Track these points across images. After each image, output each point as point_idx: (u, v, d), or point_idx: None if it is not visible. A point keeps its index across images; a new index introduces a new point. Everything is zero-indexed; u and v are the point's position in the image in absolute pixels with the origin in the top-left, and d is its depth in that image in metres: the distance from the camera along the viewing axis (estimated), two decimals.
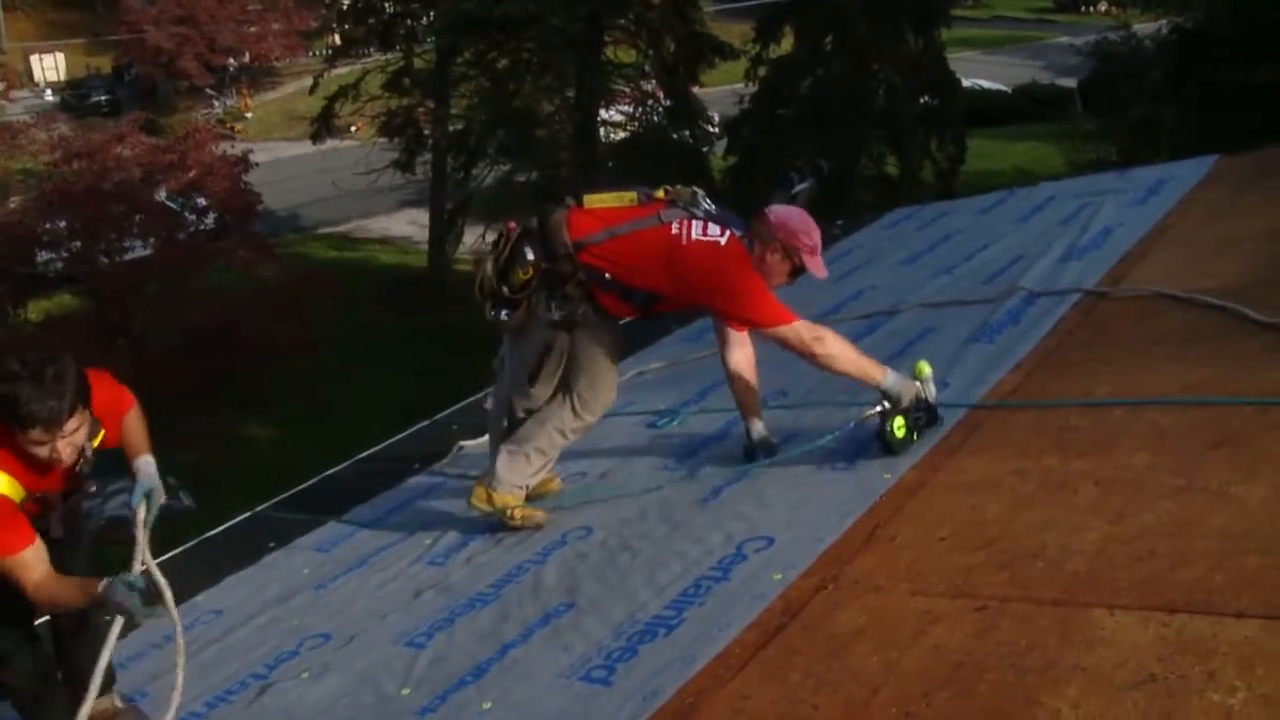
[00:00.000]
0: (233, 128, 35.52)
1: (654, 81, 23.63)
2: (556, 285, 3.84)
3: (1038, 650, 2.42)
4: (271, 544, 4.75)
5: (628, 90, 23.77)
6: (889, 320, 5.38)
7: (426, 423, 5.97)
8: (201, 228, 19.96)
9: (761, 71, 21.60)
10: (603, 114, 23.56)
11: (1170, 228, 5.76)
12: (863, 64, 20.44)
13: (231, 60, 40.66)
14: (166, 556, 5.06)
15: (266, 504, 5.41)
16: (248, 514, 5.36)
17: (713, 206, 3.94)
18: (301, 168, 29.87)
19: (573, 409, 4.00)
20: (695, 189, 4.00)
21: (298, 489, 5.49)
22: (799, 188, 8.66)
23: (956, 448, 3.68)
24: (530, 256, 3.84)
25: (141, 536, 3.48)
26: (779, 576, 3.09)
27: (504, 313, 3.94)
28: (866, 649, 2.62)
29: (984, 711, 2.27)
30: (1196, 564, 2.59)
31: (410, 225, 28.95)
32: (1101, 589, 2.61)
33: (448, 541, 4.19)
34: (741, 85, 22.70)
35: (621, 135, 24.60)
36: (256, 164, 21.36)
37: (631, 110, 24.24)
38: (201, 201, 20.06)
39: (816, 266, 3.92)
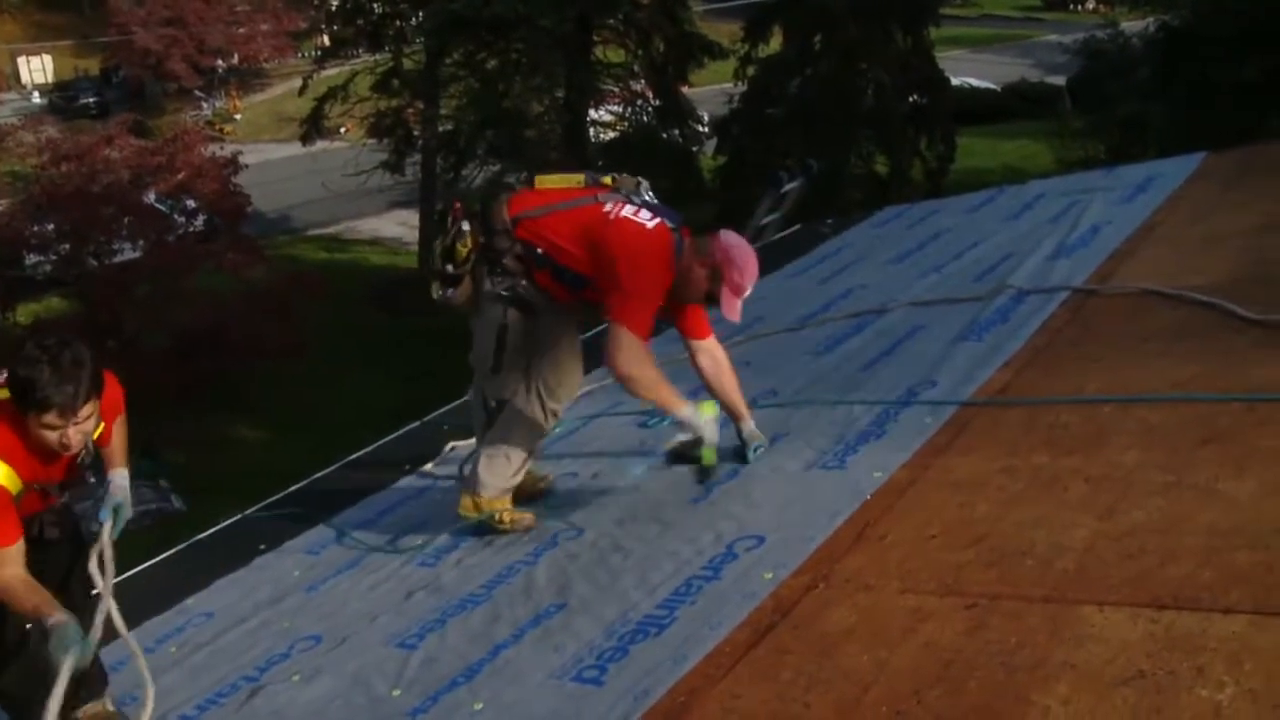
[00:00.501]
0: (222, 129, 35.52)
1: (643, 81, 23.65)
2: (495, 260, 3.89)
3: (1028, 648, 2.43)
4: (262, 546, 4.74)
5: (617, 90, 23.79)
6: (878, 319, 5.39)
7: (417, 424, 5.96)
8: (191, 230, 19.91)
9: (750, 71, 21.64)
10: (592, 114, 23.58)
11: (1158, 225, 5.78)
12: (851, 63, 20.49)
13: (220, 61, 40.64)
14: (158, 559, 5.07)
15: (257, 506, 5.40)
16: (238, 516, 5.35)
17: (653, 198, 3.94)
18: (291, 169, 29.85)
19: (539, 398, 4.00)
20: (640, 180, 4.00)
21: (288, 491, 5.48)
22: (788, 187, 8.66)
23: (946, 446, 3.69)
24: (466, 228, 3.91)
25: (108, 553, 3.43)
26: (770, 575, 3.10)
27: (449, 291, 3.98)
28: (857, 647, 2.63)
29: (974, 709, 2.27)
30: (1186, 560, 2.60)
31: (400, 226, 28.93)
32: (1091, 586, 2.62)
33: (438, 543, 4.19)
34: (730, 85, 22.74)
35: (611, 135, 24.61)
36: (246, 166, 21.35)
37: (621, 110, 24.26)
38: (191, 203, 20.03)
39: (730, 306, 3.82)
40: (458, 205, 4.03)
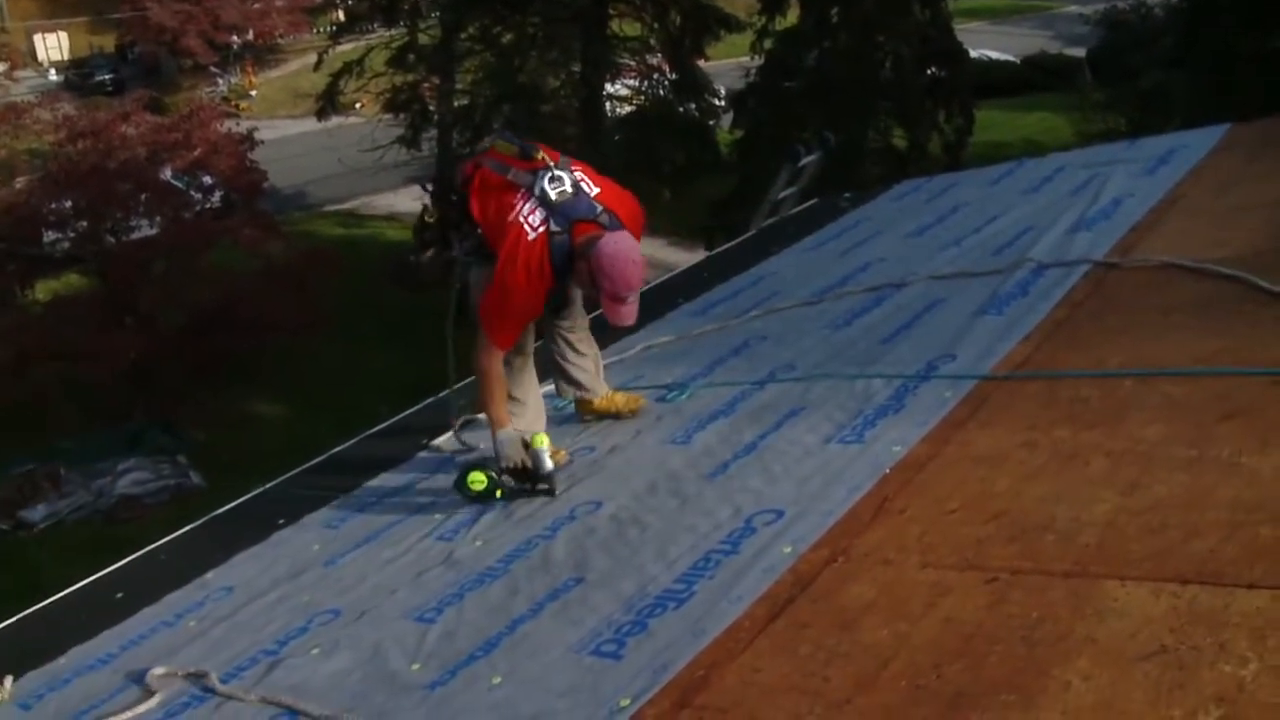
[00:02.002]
0: (237, 105, 35.50)
1: (659, 55, 23.52)
2: (455, 225, 4.19)
3: (1049, 622, 2.42)
4: (281, 520, 4.76)
5: (633, 64, 23.67)
6: (897, 293, 5.36)
7: (434, 398, 5.96)
8: (208, 206, 19.95)
9: (767, 44, 21.45)
10: (608, 88, 23.46)
11: (1181, 197, 5.72)
12: (869, 35, 20.30)
13: (235, 38, 40.59)
14: (177, 535, 5.10)
15: (275, 481, 5.42)
16: (257, 491, 5.37)
17: (562, 191, 3.96)
18: (307, 145, 29.86)
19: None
20: (552, 167, 4.03)
21: (307, 465, 5.50)
22: (805, 160, 8.60)
23: (965, 420, 3.67)
24: (427, 201, 4.19)
25: None
26: (789, 549, 3.09)
27: (423, 256, 4.27)
28: (877, 621, 2.62)
29: (995, 683, 2.26)
30: (1208, 535, 2.58)
31: (416, 202, 28.72)
32: (1113, 561, 2.60)
33: (457, 516, 4.19)
34: (747, 58, 22.58)
35: (627, 109, 24.50)
36: (261, 142, 21.36)
37: (637, 84, 24.15)
38: (207, 180, 20.04)
39: (613, 313, 3.94)
40: (431, 182, 4.30)
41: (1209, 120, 7.87)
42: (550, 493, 4.03)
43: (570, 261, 3.94)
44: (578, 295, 4.44)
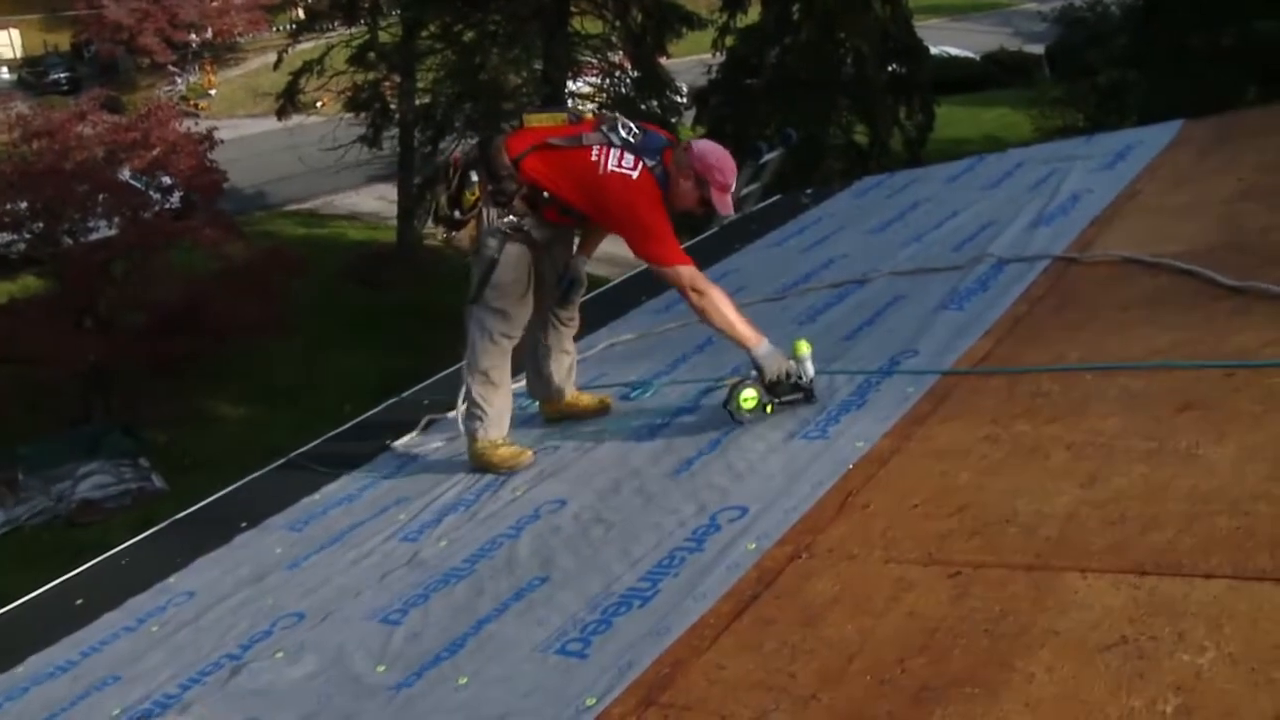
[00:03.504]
0: (196, 105, 35.17)
1: (621, 53, 23.49)
2: (505, 203, 4.21)
3: (1011, 615, 2.44)
4: (243, 523, 4.72)
5: (595, 62, 23.62)
6: (859, 289, 5.39)
7: (397, 398, 5.94)
8: (167, 206, 19.72)
9: (729, 41, 21.51)
10: (570, 86, 23.40)
11: (1138, 193, 5.78)
12: (830, 32, 20.38)
13: (194, 36, 40.15)
14: (139, 539, 5.05)
15: (238, 483, 5.37)
16: (219, 494, 5.32)
17: (633, 132, 4.16)
18: (267, 144, 29.58)
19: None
20: (617, 115, 4.29)
21: (269, 467, 5.46)
22: (767, 157, 8.60)
23: (928, 415, 3.69)
24: (475, 178, 4.23)
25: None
26: (753, 546, 3.10)
27: (455, 234, 4.34)
28: (841, 617, 2.63)
29: (958, 677, 2.28)
30: (1167, 526, 2.61)
31: (379, 201, 28.75)
32: (1074, 553, 2.63)
33: (421, 517, 4.18)
34: (709, 55, 22.61)
35: (590, 107, 24.46)
36: (221, 141, 21.12)
37: (599, 82, 24.10)
38: (166, 180, 19.81)
39: (723, 203, 4.12)
40: (456, 156, 4.37)
41: (1164, 116, 7.97)
42: (812, 399, 4.03)
43: (668, 186, 4.11)
44: (583, 278, 4.62)
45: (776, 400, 4.01)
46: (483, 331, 4.38)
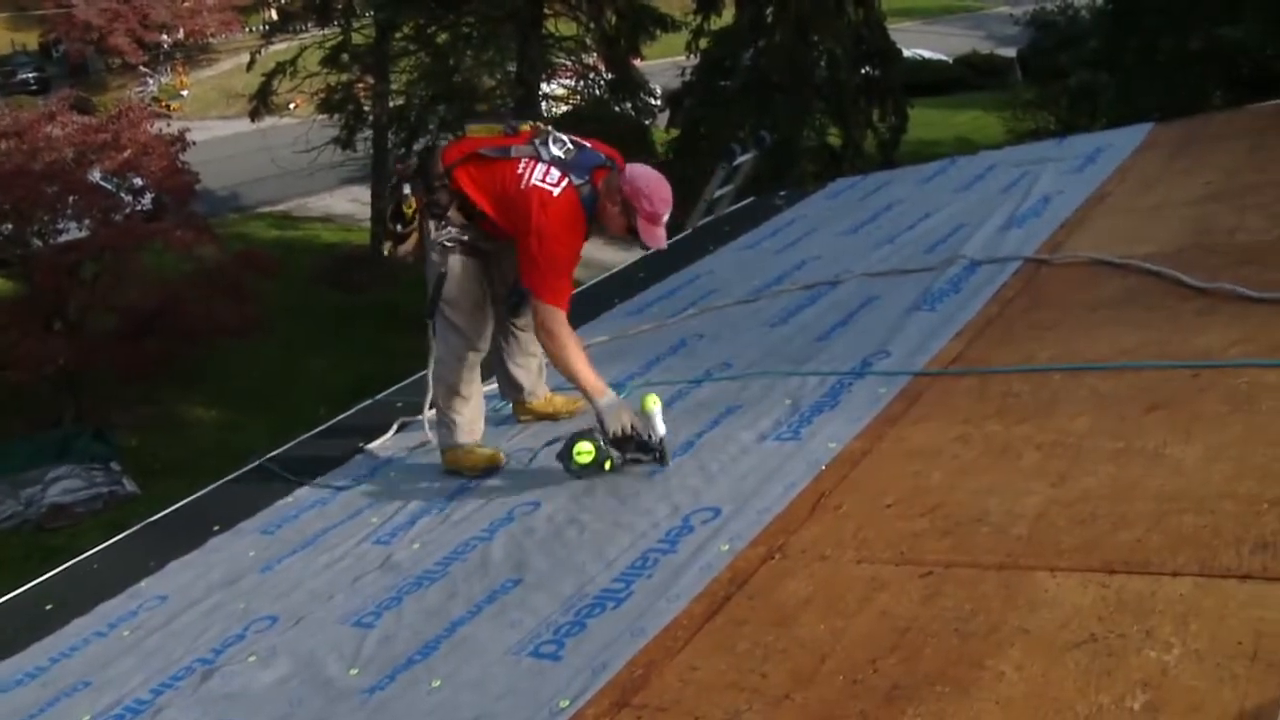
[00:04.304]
0: (168, 106, 34.85)
1: (595, 55, 23.49)
2: (439, 215, 4.13)
3: (982, 614, 2.46)
4: (216, 527, 4.69)
5: (569, 64, 23.62)
6: (832, 290, 5.41)
7: (370, 401, 5.92)
8: (138, 208, 19.56)
9: (703, 43, 21.52)
10: (544, 88, 23.39)
11: (1108, 195, 5.84)
12: (804, 35, 20.43)
13: (165, 37, 39.84)
14: (110, 543, 5.01)
15: (210, 486, 5.34)
16: (191, 497, 5.29)
17: (566, 148, 4.03)
18: (240, 146, 29.41)
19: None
20: (550, 129, 4.11)
21: (242, 470, 5.42)
22: (741, 159, 8.63)
23: (900, 416, 3.72)
24: (407, 191, 4.18)
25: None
26: (726, 547, 3.11)
27: (400, 248, 4.30)
28: (813, 617, 2.65)
29: (930, 676, 2.30)
30: (1135, 525, 2.64)
31: (352, 203, 28.62)
32: (1044, 552, 2.65)
33: (394, 520, 4.17)
34: (683, 58, 22.64)
35: (564, 109, 24.45)
36: (193, 143, 20.94)
37: (573, 84, 24.10)
38: (138, 181, 19.65)
39: (650, 235, 3.94)
40: (399, 167, 4.34)
41: (1134, 119, 8.04)
42: (662, 461, 3.79)
43: (595, 209, 3.98)
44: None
45: (620, 458, 3.83)
46: (445, 347, 4.33)
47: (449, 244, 4.18)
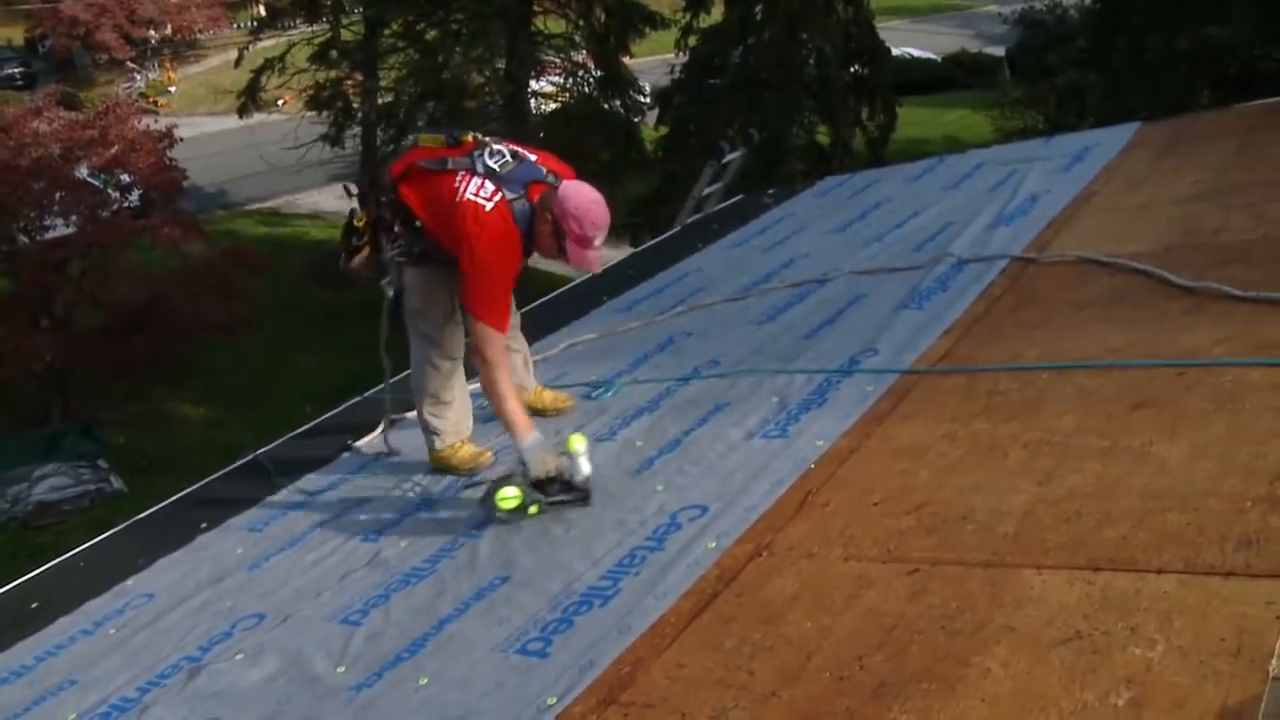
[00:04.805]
0: (156, 102, 34.77)
1: (584, 52, 23.47)
2: (387, 228, 4.07)
3: (968, 612, 2.46)
4: (203, 524, 4.68)
5: (558, 61, 23.60)
6: (820, 288, 5.42)
7: (358, 399, 5.91)
8: (126, 205, 19.50)
9: (692, 41, 21.52)
10: (533, 85, 23.36)
11: (1095, 194, 5.85)
12: (792, 33, 20.43)
13: (153, 32, 39.68)
14: (97, 540, 4.99)
15: (198, 484, 5.33)
16: (179, 495, 5.28)
17: (504, 160, 3.90)
18: (228, 142, 29.30)
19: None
20: (489, 140, 4.00)
21: (229, 468, 5.41)
22: (730, 157, 8.65)
23: (887, 413, 3.73)
24: (355, 205, 4.16)
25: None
26: (713, 545, 3.12)
27: (354, 260, 4.21)
28: (800, 615, 2.65)
29: (916, 673, 2.30)
30: (1120, 523, 2.65)
31: (340, 200, 28.36)
32: (1030, 550, 2.66)
33: (383, 517, 4.16)
34: (672, 55, 22.63)
35: (552, 106, 24.44)
36: (181, 139, 20.87)
37: (562, 81, 24.09)
38: (125, 178, 19.58)
39: (579, 257, 3.82)
40: (355, 182, 4.27)
41: (1122, 118, 8.06)
42: (586, 501, 3.69)
43: (532, 225, 3.86)
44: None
45: (544, 500, 3.69)
46: (420, 358, 4.30)
47: (400, 259, 4.11)
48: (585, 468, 3.66)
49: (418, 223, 3.99)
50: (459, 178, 3.85)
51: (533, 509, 3.69)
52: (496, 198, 3.80)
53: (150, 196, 19.85)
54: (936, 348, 4.20)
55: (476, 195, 3.80)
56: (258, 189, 28.60)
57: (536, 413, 4.67)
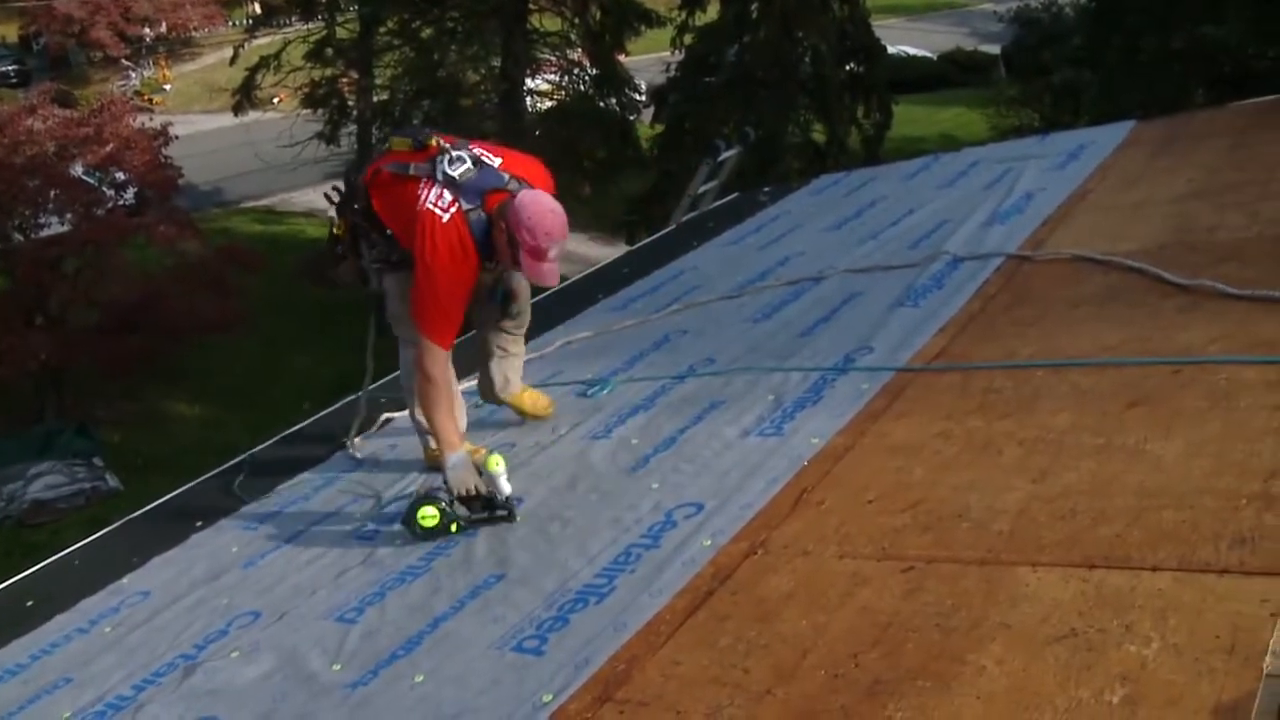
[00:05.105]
0: (151, 100, 34.72)
1: (580, 50, 23.45)
2: (365, 234, 4.01)
3: (963, 609, 2.47)
4: (199, 523, 4.68)
5: (554, 59, 23.57)
6: (815, 286, 5.42)
7: (353, 397, 5.90)
8: (120, 203, 19.46)
9: (687, 39, 21.50)
10: (529, 83, 23.34)
11: (1090, 192, 5.86)
12: (788, 31, 20.43)
13: (147, 30, 39.62)
14: (92, 539, 4.98)
15: (193, 482, 5.32)
16: (174, 493, 5.27)
17: (464, 168, 3.77)
18: (223, 141, 29.25)
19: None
20: (449, 146, 3.86)
21: (225, 466, 5.41)
22: (725, 155, 8.64)
23: (882, 411, 3.73)
24: (331, 213, 4.12)
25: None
26: (708, 543, 3.12)
27: (339, 268, 4.19)
28: (795, 612, 2.66)
29: (911, 670, 2.31)
30: (1115, 520, 2.66)
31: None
32: (1025, 547, 2.67)
33: (377, 516, 4.16)
34: (668, 53, 22.62)
35: (548, 104, 24.42)
36: (176, 137, 20.83)
37: (558, 79, 24.05)
38: (120, 176, 19.55)
39: (534, 271, 3.71)
40: (333, 187, 4.18)
41: (1117, 116, 8.07)
42: (510, 518, 3.69)
43: (489, 236, 3.75)
44: (524, 289, 4.31)
45: (465, 519, 3.71)
46: (407, 361, 4.25)
47: (376, 265, 4.06)
48: (506, 487, 3.67)
49: (389, 230, 3.93)
50: (421, 185, 3.77)
51: (453, 527, 3.70)
52: (453, 209, 3.71)
53: (145, 194, 19.81)
54: (932, 345, 4.21)
55: (435, 205, 3.71)
56: (253, 187, 28.56)
57: (523, 414, 4.63)
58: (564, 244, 3.71)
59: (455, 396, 4.35)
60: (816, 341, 4.62)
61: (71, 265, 17.37)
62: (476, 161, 3.82)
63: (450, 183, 3.74)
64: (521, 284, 4.28)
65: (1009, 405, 3.52)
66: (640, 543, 3.26)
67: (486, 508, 3.71)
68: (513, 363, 4.53)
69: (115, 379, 17.39)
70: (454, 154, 3.80)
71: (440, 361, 3.81)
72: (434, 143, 3.87)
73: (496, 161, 3.86)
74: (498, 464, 3.66)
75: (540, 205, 3.67)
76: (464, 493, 3.70)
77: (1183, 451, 2.91)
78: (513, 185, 3.79)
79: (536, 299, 6.53)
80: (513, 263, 3.75)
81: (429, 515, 3.69)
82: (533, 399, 4.63)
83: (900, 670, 2.32)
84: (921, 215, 6.23)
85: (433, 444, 4.31)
